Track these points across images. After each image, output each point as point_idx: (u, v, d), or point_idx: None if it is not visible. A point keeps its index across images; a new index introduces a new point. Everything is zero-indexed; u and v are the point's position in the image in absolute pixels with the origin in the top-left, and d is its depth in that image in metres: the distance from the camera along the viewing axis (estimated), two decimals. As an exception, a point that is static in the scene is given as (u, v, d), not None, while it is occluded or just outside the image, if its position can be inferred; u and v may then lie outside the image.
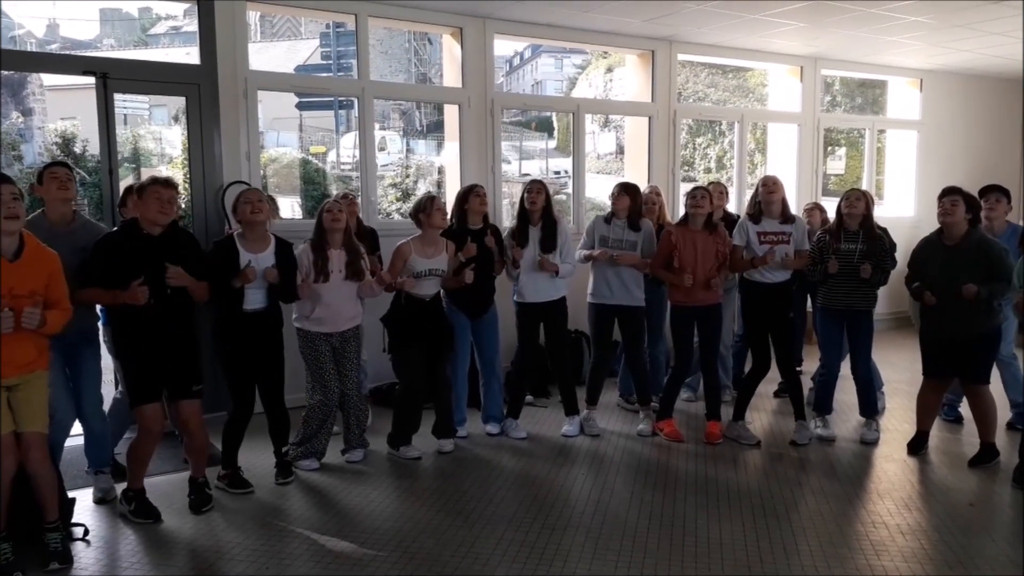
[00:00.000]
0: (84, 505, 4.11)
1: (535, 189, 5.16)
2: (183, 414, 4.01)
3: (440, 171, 13.02)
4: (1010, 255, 4.51)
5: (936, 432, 5.11)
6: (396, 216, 14.19)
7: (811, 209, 6.19)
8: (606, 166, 21.70)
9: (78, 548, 3.67)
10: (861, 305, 4.99)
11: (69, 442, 4.21)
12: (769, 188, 5.05)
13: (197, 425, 4.05)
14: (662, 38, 7.38)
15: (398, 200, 15.12)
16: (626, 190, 5.24)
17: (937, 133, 9.34)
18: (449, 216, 5.06)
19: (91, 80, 5.17)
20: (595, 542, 3.71)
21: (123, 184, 5.47)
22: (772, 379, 5.45)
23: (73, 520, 3.80)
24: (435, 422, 5.01)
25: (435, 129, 24.33)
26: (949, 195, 4.56)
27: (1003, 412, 5.09)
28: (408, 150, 24.67)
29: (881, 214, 8.95)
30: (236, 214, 4.36)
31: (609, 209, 5.31)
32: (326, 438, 4.76)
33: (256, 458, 4.67)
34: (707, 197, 5.03)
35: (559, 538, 3.75)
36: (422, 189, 15.50)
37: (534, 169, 20.97)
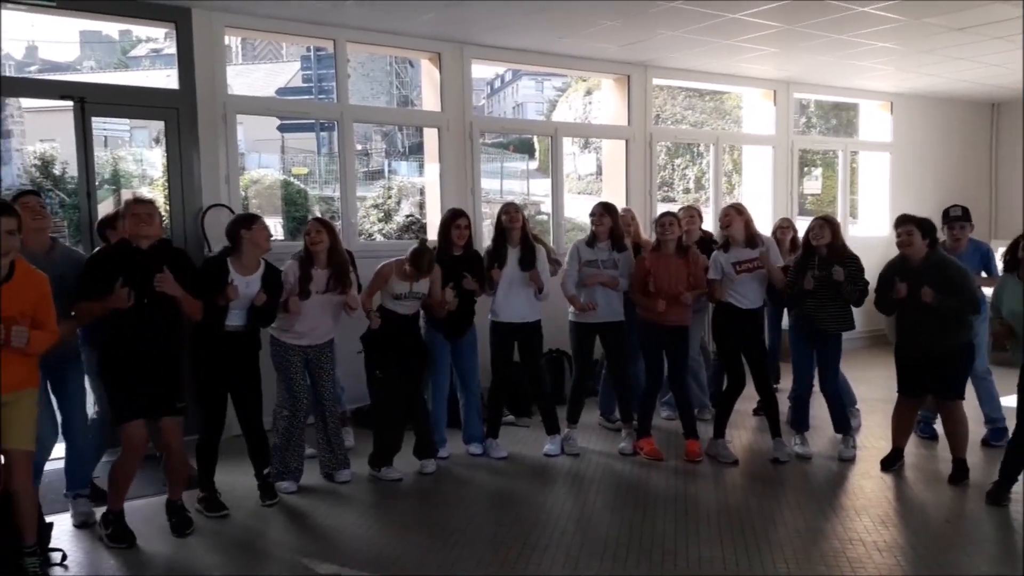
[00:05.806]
0: (63, 530, 4.07)
1: (513, 210, 5.27)
2: (165, 430, 4.02)
3: (422, 192, 13.05)
4: (970, 276, 4.65)
5: (911, 449, 5.18)
6: (379, 237, 14.18)
7: (784, 227, 6.28)
8: (587, 186, 21.85)
9: (56, 573, 3.65)
10: (832, 328, 5.08)
11: (46, 466, 4.17)
12: (725, 223, 5.15)
13: (177, 442, 4.06)
14: (638, 63, 7.49)
15: (380, 221, 15.12)
16: (608, 210, 5.32)
17: (908, 154, 9.50)
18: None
19: (70, 103, 5.19)
20: (575, 563, 3.72)
21: (102, 206, 5.46)
22: (752, 397, 5.50)
23: (51, 545, 3.77)
24: (416, 443, 5.03)
25: (417, 150, 24.39)
26: (903, 224, 4.69)
27: (978, 428, 5.18)
28: (390, 171, 24.69)
29: (856, 234, 9.10)
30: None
31: (590, 230, 5.37)
32: (298, 455, 4.75)
33: (235, 480, 4.66)
34: (675, 223, 5.13)
35: (539, 558, 3.76)
36: (405, 210, 15.51)
37: (515, 190, 21.14)
